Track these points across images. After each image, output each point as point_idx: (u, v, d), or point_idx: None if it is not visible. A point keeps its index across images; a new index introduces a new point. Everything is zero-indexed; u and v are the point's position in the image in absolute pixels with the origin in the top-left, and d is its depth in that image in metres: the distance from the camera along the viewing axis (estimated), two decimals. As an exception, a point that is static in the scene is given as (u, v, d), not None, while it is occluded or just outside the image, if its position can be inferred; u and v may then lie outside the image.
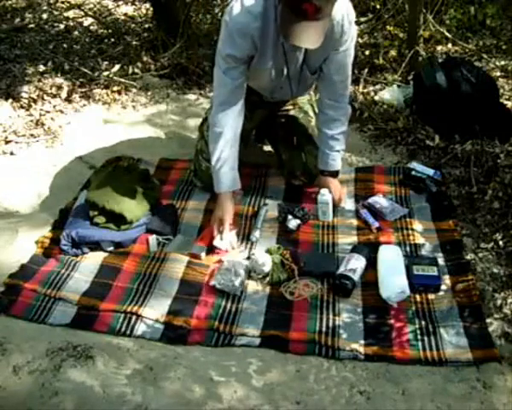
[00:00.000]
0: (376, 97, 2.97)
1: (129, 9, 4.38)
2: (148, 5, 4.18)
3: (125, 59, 3.54)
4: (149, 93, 3.26)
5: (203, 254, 1.98)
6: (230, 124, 1.95)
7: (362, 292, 1.81)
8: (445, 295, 1.77)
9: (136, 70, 3.40)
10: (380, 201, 2.18)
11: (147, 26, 3.98)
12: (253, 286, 1.87)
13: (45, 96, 3.13)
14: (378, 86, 3.12)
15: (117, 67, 3.41)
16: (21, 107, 3.05)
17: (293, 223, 2.07)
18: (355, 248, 1.94)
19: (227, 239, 2.01)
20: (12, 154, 2.69)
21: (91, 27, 4.10)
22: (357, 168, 2.46)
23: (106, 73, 3.33)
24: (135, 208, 2.10)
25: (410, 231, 2.04)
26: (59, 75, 3.36)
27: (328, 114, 2.11)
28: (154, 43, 3.63)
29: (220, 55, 1.89)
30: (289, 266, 1.91)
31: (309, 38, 1.65)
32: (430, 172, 2.30)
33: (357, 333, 1.67)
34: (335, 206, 2.17)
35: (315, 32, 1.65)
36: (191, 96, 3.23)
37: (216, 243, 2.00)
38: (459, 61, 2.74)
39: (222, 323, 1.72)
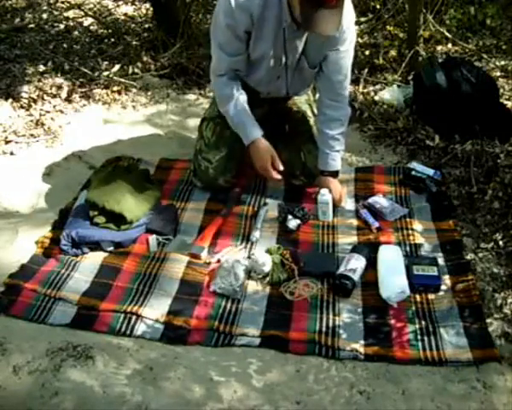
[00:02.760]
0: (376, 97, 2.97)
1: (129, 9, 4.38)
2: (148, 5, 4.17)
3: (125, 59, 3.54)
4: (149, 93, 3.26)
5: (203, 254, 1.98)
6: (232, 84, 2.04)
7: (362, 292, 1.81)
8: (445, 295, 1.77)
9: (136, 70, 3.40)
10: (380, 201, 2.18)
11: (147, 26, 3.98)
12: (253, 286, 1.87)
13: (45, 96, 3.13)
14: (378, 86, 3.12)
15: (117, 67, 3.41)
16: (21, 107, 3.05)
17: (293, 223, 2.07)
18: (355, 248, 1.94)
19: (280, 168, 2.06)
20: (12, 154, 2.69)
21: (91, 27, 4.09)
22: (357, 168, 2.46)
23: (106, 73, 3.33)
24: (135, 208, 2.10)
25: (410, 231, 2.04)
26: (59, 75, 3.35)
27: (328, 113, 2.12)
28: (154, 43, 3.63)
29: (219, 28, 1.92)
30: (289, 266, 1.91)
31: (329, 25, 1.70)
32: (430, 172, 2.30)
33: (357, 333, 1.67)
34: (335, 206, 2.17)
35: (334, 19, 1.69)
36: (191, 96, 3.23)
37: (276, 175, 2.06)
38: (459, 61, 2.74)
39: (222, 323, 1.72)
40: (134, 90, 3.27)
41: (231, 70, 2.03)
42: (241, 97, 2.05)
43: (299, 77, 2.12)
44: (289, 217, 2.09)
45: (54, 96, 3.15)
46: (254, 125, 2.06)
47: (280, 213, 2.14)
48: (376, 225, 2.07)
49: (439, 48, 3.46)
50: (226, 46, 1.95)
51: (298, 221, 2.09)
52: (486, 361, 1.55)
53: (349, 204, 2.22)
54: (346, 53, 2.00)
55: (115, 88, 3.24)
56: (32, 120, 2.93)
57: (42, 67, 3.45)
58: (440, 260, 1.90)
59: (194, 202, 2.29)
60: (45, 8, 4.47)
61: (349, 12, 1.90)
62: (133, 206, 2.10)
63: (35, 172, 2.54)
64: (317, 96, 2.28)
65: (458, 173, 2.34)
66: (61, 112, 3.04)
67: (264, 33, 1.90)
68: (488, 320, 1.67)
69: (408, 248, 1.98)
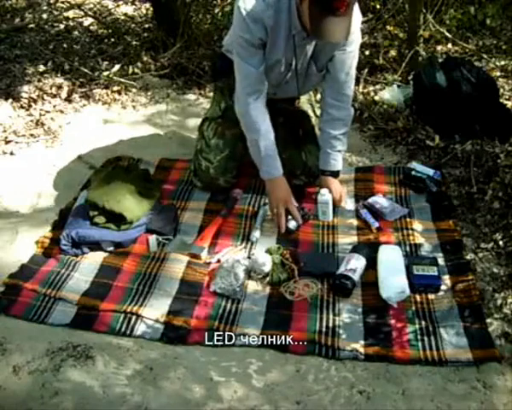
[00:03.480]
0: (376, 97, 2.97)
1: (129, 9, 4.38)
2: (148, 5, 4.18)
3: (125, 59, 3.54)
4: (149, 93, 3.26)
5: (203, 254, 1.98)
6: (263, 112, 2.02)
7: (362, 292, 1.81)
8: (445, 295, 1.77)
9: (136, 70, 3.40)
10: (380, 201, 2.18)
11: (147, 26, 3.98)
12: (253, 286, 1.87)
13: (45, 96, 3.14)
14: (378, 86, 3.12)
15: (117, 67, 3.41)
16: (21, 107, 3.05)
17: (293, 223, 2.07)
18: (355, 248, 1.94)
19: (296, 216, 2.08)
20: (12, 154, 2.70)
21: (91, 27, 4.10)
22: (357, 168, 2.46)
23: (106, 73, 3.33)
24: (135, 208, 2.10)
25: (410, 231, 2.04)
26: (59, 75, 3.36)
27: (332, 113, 2.12)
28: (154, 43, 3.64)
29: (238, 44, 1.91)
30: (289, 266, 1.91)
31: (338, 32, 1.69)
32: (430, 172, 2.30)
33: (357, 333, 1.66)
34: (335, 206, 2.17)
35: (343, 26, 1.69)
36: (191, 96, 3.23)
37: (289, 224, 2.07)
38: (459, 61, 2.74)
39: (222, 323, 1.72)
40: (134, 90, 3.27)
41: (259, 84, 1.98)
42: (271, 130, 2.05)
43: (308, 81, 2.12)
44: (289, 217, 2.08)
45: (54, 96, 3.15)
46: (279, 163, 2.08)
47: None
48: (376, 225, 2.07)
49: (439, 48, 3.46)
50: (250, 59, 1.92)
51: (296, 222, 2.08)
52: (486, 361, 1.55)
53: (349, 204, 2.22)
54: (351, 53, 2.01)
55: (115, 88, 3.24)
56: (32, 120, 2.94)
57: (42, 67, 3.45)
58: (440, 260, 1.89)
59: (195, 201, 2.29)
60: (45, 8, 4.47)
61: (356, 14, 1.90)
62: (133, 206, 2.10)
63: (35, 172, 2.54)
64: (319, 96, 2.28)
65: (458, 173, 2.34)
66: (61, 112, 3.05)
67: (277, 41, 1.90)
68: (488, 320, 1.67)
69: (408, 248, 1.97)
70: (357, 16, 1.92)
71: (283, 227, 2.06)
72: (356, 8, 1.91)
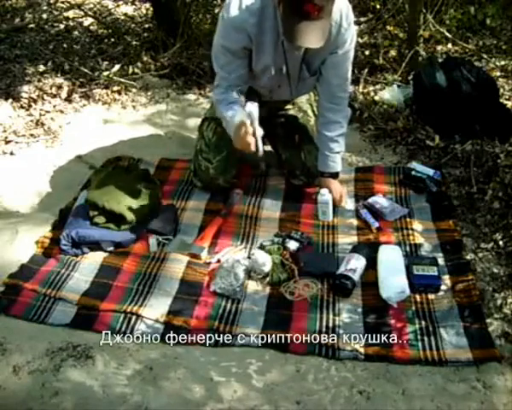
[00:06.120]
0: (376, 97, 2.97)
1: (129, 9, 4.38)
2: (148, 5, 4.18)
3: (125, 59, 3.54)
4: (149, 93, 3.26)
5: (203, 254, 1.98)
6: (232, 96, 1.95)
7: (362, 292, 1.81)
8: (445, 296, 1.77)
9: (136, 70, 3.40)
10: (380, 201, 2.18)
11: (147, 26, 3.98)
12: (253, 286, 1.87)
13: (45, 96, 3.14)
14: (378, 86, 3.12)
15: (117, 67, 3.42)
16: (21, 107, 3.05)
17: (292, 244, 2.00)
18: (355, 248, 1.94)
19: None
20: (12, 154, 2.70)
21: (91, 27, 4.10)
22: (357, 168, 2.46)
23: (106, 73, 3.33)
24: (135, 208, 2.10)
25: (410, 231, 2.04)
26: (59, 75, 3.36)
27: (328, 116, 2.12)
28: (154, 43, 3.64)
29: (217, 49, 1.92)
30: (289, 266, 1.91)
31: (312, 37, 1.67)
32: (430, 172, 2.30)
33: (357, 333, 1.66)
34: (335, 206, 2.17)
35: (317, 31, 1.66)
36: (191, 96, 3.24)
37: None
38: (459, 61, 2.74)
39: (222, 323, 1.72)
40: (134, 90, 3.27)
41: (230, 84, 1.97)
42: (239, 104, 1.97)
43: (302, 84, 2.12)
44: (287, 239, 2.02)
45: (54, 96, 3.15)
46: (242, 112, 1.91)
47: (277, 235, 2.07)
48: (376, 225, 2.07)
49: (439, 48, 3.46)
50: (226, 66, 1.94)
51: (297, 244, 2.00)
52: (486, 361, 1.55)
53: (349, 204, 2.22)
54: (344, 55, 1.99)
55: (115, 88, 3.24)
56: (32, 120, 2.94)
57: (42, 67, 3.45)
58: (440, 260, 1.89)
59: (195, 201, 2.29)
60: (45, 8, 4.47)
61: (346, 13, 1.89)
62: (133, 206, 2.10)
63: (35, 172, 2.54)
64: (317, 96, 2.28)
65: (458, 173, 2.34)
66: (61, 112, 3.05)
67: (265, 47, 1.90)
68: (488, 320, 1.67)
69: (408, 248, 1.97)
70: (348, 16, 1.90)
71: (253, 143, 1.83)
72: (347, 8, 1.90)
